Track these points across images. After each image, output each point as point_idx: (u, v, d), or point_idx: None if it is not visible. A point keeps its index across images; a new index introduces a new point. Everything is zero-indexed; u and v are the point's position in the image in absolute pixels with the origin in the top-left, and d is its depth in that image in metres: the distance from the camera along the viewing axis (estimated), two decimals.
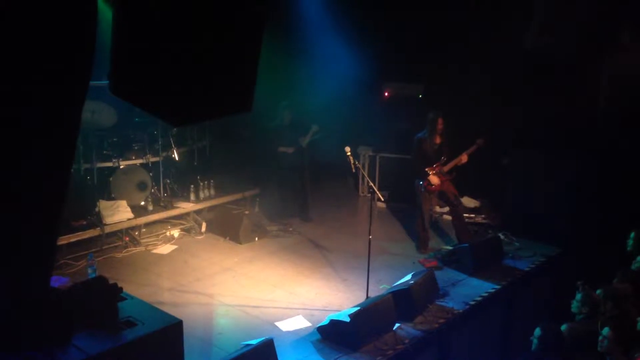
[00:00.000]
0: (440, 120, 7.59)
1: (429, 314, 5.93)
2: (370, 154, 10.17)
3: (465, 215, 8.25)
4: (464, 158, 7.71)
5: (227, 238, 8.21)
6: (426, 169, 7.65)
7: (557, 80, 8.29)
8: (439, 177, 7.66)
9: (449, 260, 7.23)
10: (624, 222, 6.88)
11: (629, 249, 6.26)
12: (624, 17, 7.83)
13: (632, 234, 6.27)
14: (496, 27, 8.55)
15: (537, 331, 5.00)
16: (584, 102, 8.25)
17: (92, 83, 2.73)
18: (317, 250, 7.92)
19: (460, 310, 6.09)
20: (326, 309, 6.20)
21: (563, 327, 4.84)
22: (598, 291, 5.25)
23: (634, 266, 6.00)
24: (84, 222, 7.44)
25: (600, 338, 4.58)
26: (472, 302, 6.28)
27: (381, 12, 9.51)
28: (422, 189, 7.66)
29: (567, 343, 4.77)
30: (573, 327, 4.83)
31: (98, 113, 7.83)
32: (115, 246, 7.66)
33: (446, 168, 7.73)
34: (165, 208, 8.31)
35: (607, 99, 8.26)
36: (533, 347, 4.99)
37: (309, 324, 5.85)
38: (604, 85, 8.30)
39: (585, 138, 8.19)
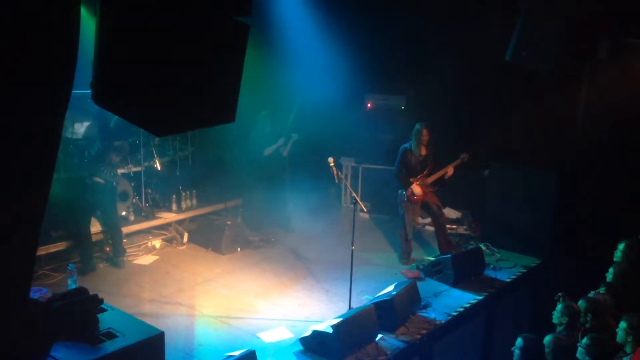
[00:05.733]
0: (425, 132, 7.63)
1: (411, 325, 5.94)
2: (353, 164, 10.20)
3: (447, 226, 8.29)
4: (450, 170, 7.75)
5: (209, 249, 8.17)
6: (410, 179, 7.69)
7: (537, 94, 8.41)
8: (422, 188, 7.70)
9: (431, 271, 7.25)
10: (604, 233, 6.96)
11: (616, 259, 6.26)
12: (601, 33, 8.00)
13: (621, 245, 6.27)
14: (477, 41, 8.65)
15: (519, 342, 5.04)
16: (563, 116, 8.37)
17: (74, 92, 2.72)
18: (299, 261, 7.91)
19: (442, 321, 6.11)
20: (308, 319, 6.19)
21: (547, 339, 4.86)
22: (580, 302, 5.30)
23: (608, 278, 6.04)
24: (64, 232, 7.35)
25: (579, 350, 4.62)
26: (454, 313, 6.30)
27: (363, 24, 9.57)
28: (405, 199, 7.70)
29: (550, 354, 4.80)
30: (557, 339, 4.86)
31: (79, 122, 7.76)
32: (96, 257, 7.57)
33: (430, 180, 7.77)
34: (147, 218, 8.26)
35: (586, 112, 8.39)
36: (515, 357, 5.03)
37: (291, 335, 5.83)
38: (583, 99, 8.43)
39: (564, 151, 8.30)
